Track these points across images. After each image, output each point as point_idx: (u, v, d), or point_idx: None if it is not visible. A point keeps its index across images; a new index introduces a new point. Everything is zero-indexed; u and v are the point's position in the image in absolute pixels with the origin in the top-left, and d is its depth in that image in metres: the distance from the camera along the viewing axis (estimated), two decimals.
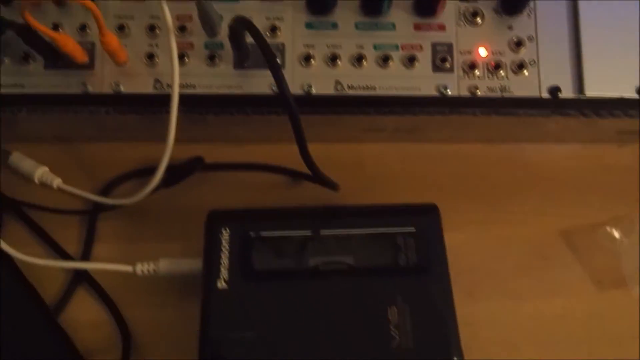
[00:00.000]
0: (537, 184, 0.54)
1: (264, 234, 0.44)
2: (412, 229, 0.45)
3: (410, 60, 0.47)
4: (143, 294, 0.48)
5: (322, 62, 0.48)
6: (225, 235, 0.44)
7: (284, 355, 0.41)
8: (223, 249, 0.44)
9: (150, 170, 0.46)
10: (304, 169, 0.45)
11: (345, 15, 0.48)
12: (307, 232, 0.45)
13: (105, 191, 0.52)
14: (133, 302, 0.48)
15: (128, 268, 0.47)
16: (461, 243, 0.50)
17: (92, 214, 0.51)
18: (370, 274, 0.43)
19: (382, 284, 0.43)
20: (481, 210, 0.53)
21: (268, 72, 0.42)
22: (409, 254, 0.44)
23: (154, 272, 0.46)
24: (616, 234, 0.51)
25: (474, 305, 0.49)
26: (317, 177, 0.46)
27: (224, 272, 0.43)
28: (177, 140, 0.45)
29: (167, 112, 0.43)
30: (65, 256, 0.50)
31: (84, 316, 0.48)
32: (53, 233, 0.51)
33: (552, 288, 0.50)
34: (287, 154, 0.48)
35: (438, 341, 0.41)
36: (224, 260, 0.43)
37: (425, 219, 0.45)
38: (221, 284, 0.42)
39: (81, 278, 0.49)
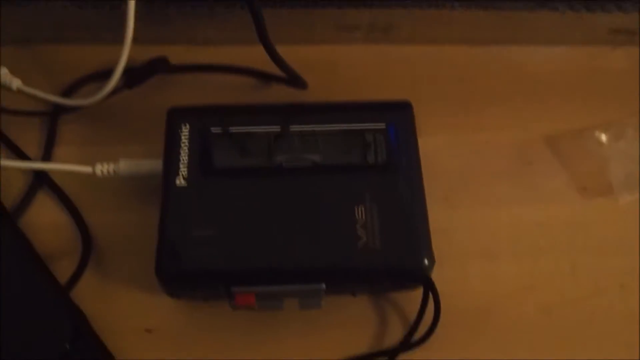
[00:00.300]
0: (522, 88, 0.51)
1: (226, 130, 0.42)
2: (382, 126, 0.42)
3: None
4: (104, 197, 0.46)
5: None
6: (185, 131, 0.42)
7: (244, 254, 0.39)
8: (183, 145, 0.41)
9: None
10: (273, 70, 0.42)
11: None
12: (272, 129, 0.42)
13: (66, 93, 0.50)
14: (94, 205, 0.46)
15: (87, 169, 0.45)
16: (438, 147, 0.48)
17: (52, 115, 0.49)
18: (337, 171, 0.41)
19: (349, 182, 0.41)
20: (461, 114, 0.50)
21: None
22: (378, 152, 0.42)
23: (114, 173, 0.44)
24: (604, 139, 0.48)
25: (450, 211, 0.47)
26: (284, 70, 0.43)
27: (184, 169, 0.41)
28: (140, 41, 0.43)
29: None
30: (25, 159, 0.47)
31: (44, 219, 0.46)
32: (13, 136, 0.48)
33: (533, 195, 0.47)
34: (255, 57, 0.46)
35: (407, 242, 0.39)
36: (184, 157, 0.41)
37: (397, 115, 0.43)
38: (180, 182, 0.40)
39: (41, 181, 0.47)
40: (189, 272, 0.39)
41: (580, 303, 0.44)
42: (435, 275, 0.40)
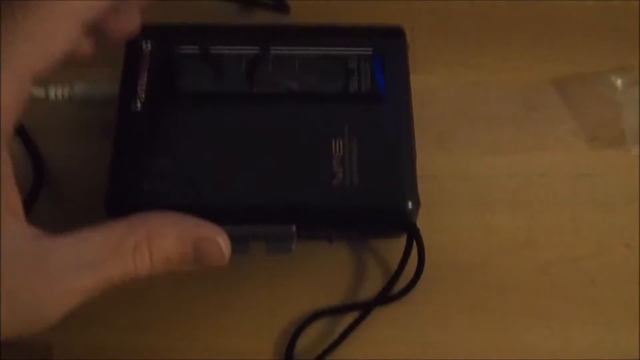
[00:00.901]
0: (530, 25, 0.46)
1: (192, 50, 0.37)
2: (369, 51, 0.37)
3: None
4: (59, 127, 0.42)
5: None
6: (146, 49, 0.37)
7: (205, 189, 0.34)
8: (142, 65, 0.37)
9: None
10: None
11: None
12: (245, 50, 0.38)
13: None
14: (48, 135, 0.42)
15: (40, 92, 0.40)
16: (434, 86, 0.44)
17: None
18: (315, 100, 0.37)
19: (327, 112, 0.36)
20: (461, 51, 0.45)
21: None
22: (362, 80, 0.37)
23: (68, 97, 0.40)
24: (618, 84, 0.43)
25: (443, 156, 0.42)
26: None
27: (142, 93, 0.36)
28: None
29: None
30: None
31: None
32: None
33: (537, 143, 0.43)
34: None
35: (389, 182, 0.35)
36: (143, 78, 0.36)
37: (386, 41, 0.38)
38: (137, 106, 0.36)
39: None
40: (140, 208, 0.34)
41: (581, 262, 0.40)
42: (423, 225, 0.36)
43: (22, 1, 0.25)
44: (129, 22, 0.31)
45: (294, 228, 0.34)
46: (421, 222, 0.36)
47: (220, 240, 0.29)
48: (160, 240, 0.27)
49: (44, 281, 0.25)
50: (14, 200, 0.27)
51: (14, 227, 0.26)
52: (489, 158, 0.42)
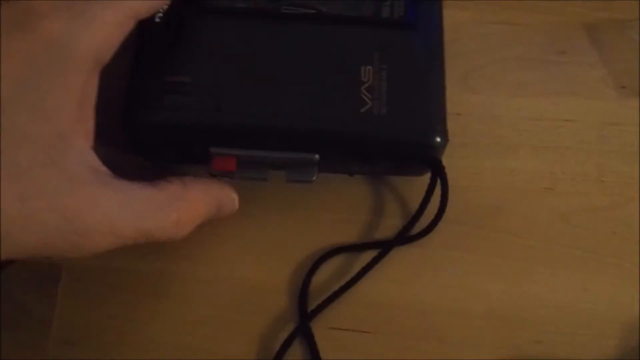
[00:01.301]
0: None
1: None
2: None
3: None
4: None
5: None
6: None
7: (228, 109, 0.32)
8: None
9: None
10: None
11: None
12: None
13: None
14: None
15: None
16: (463, 22, 0.42)
17: None
18: (344, 24, 0.35)
19: (357, 37, 0.34)
20: None
21: None
22: (394, 6, 0.35)
23: None
24: None
25: (468, 95, 0.40)
26: None
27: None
28: None
29: None
30: None
31: None
32: None
33: (563, 87, 0.41)
34: None
35: (418, 113, 0.33)
36: None
37: None
38: (160, 18, 0.34)
39: None
40: (160, 125, 0.32)
41: (603, 212, 0.38)
42: (445, 165, 0.34)
43: None
44: None
45: (317, 156, 0.33)
46: (444, 163, 0.34)
47: (235, 197, 0.34)
48: (195, 213, 0.31)
49: (94, 216, 0.27)
50: (89, 125, 0.28)
51: (84, 152, 0.27)
52: (514, 100, 0.41)
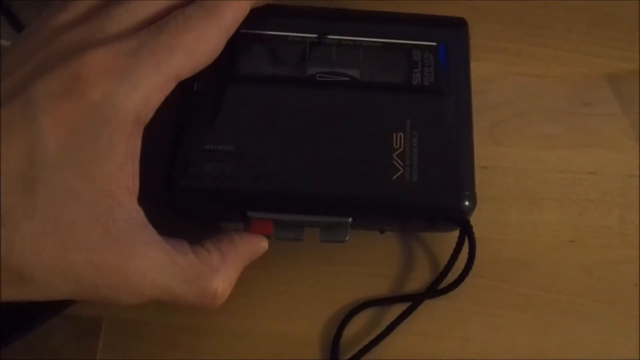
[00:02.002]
0: (589, 17, 0.45)
1: (255, 32, 0.36)
2: (433, 44, 0.36)
3: None
4: None
5: None
6: None
7: (266, 175, 0.34)
8: None
9: None
10: None
11: None
12: (308, 35, 0.37)
13: None
14: None
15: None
16: (490, 76, 0.43)
17: None
18: (377, 90, 0.36)
19: (389, 104, 0.35)
20: (519, 40, 0.44)
21: None
22: (425, 73, 0.36)
23: None
24: None
25: (494, 147, 0.42)
26: None
27: (204, 74, 0.35)
28: None
29: None
30: None
31: None
32: None
33: (587, 139, 0.42)
34: None
35: (448, 179, 0.34)
36: None
37: (450, 33, 0.37)
38: (200, 87, 0.35)
39: None
40: (201, 191, 0.34)
41: (625, 265, 0.40)
42: (471, 218, 0.36)
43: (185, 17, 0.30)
44: None
45: (350, 220, 0.34)
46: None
47: (265, 244, 0.36)
48: (232, 281, 0.33)
49: (127, 274, 0.29)
50: (134, 180, 0.29)
51: (129, 209, 0.29)
52: (539, 152, 0.42)
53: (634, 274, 0.39)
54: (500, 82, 0.43)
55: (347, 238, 0.35)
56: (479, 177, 0.36)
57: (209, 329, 0.38)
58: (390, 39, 0.37)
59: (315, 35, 0.37)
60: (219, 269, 0.32)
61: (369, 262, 0.39)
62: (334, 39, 0.37)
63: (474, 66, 0.39)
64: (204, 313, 0.37)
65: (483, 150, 0.41)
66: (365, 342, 0.37)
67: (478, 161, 0.37)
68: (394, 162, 0.34)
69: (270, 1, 0.37)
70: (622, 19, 0.45)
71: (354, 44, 0.37)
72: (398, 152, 0.34)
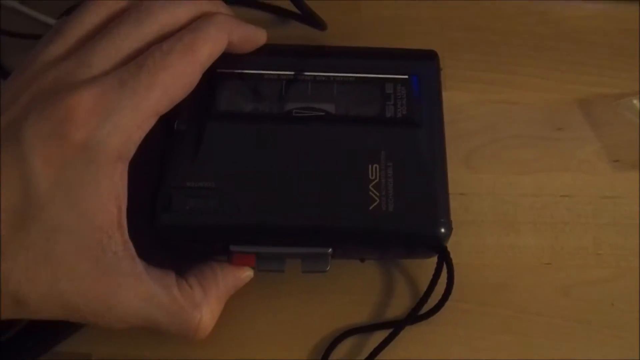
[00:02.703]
0: (558, 45, 0.47)
1: (232, 71, 0.38)
2: (405, 76, 0.38)
3: None
4: None
5: None
6: None
7: (246, 210, 0.35)
8: None
9: None
10: (290, 7, 0.38)
11: None
12: (283, 73, 0.38)
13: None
14: None
15: None
16: (463, 104, 0.44)
17: None
18: (352, 124, 0.37)
19: (364, 137, 0.37)
20: (490, 69, 0.46)
21: None
22: (398, 105, 0.37)
23: None
24: None
25: (470, 174, 0.43)
26: (301, 9, 0.38)
27: (184, 111, 0.36)
28: None
29: None
30: None
31: None
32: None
33: (561, 163, 0.43)
34: None
35: (424, 208, 0.35)
36: (187, 97, 0.36)
37: (421, 65, 0.39)
38: (180, 126, 0.36)
39: None
40: (184, 228, 0.35)
41: (601, 285, 0.41)
42: (449, 244, 0.37)
43: (162, 53, 0.32)
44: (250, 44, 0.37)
45: (330, 250, 0.35)
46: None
47: (250, 274, 0.37)
48: (215, 315, 0.35)
49: (112, 303, 0.31)
50: (123, 214, 0.31)
51: (118, 242, 0.31)
52: (514, 177, 0.43)
53: (610, 294, 0.40)
54: (475, 110, 0.44)
55: (328, 268, 0.36)
56: (456, 203, 0.38)
57: None
58: (363, 73, 0.38)
59: (291, 73, 0.38)
60: (201, 304, 0.34)
61: (351, 290, 0.40)
62: (309, 75, 0.38)
63: (449, 95, 0.40)
64: (190, 346, 0.38)
65: (459, 178, 0.42)
66: None
67: (455, 188, 0.38)
68: (370, 192, 0.35)
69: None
70: (591, 45, 0.47)
71: (328, 79, 0.38)
72: (374, 183, 0.35)
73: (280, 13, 0.45)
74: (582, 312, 0.40)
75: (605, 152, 0.44)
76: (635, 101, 0.44)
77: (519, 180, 0.43)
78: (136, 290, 0.32)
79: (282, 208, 0.35)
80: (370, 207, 0.35)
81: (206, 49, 0.33)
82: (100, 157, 0.30)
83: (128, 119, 0.31)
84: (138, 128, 0.31)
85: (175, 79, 0.32)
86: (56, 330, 0.38)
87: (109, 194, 0.30)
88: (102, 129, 0.30)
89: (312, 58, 0.39)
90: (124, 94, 0.31)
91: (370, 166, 0.36)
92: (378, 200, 0.35)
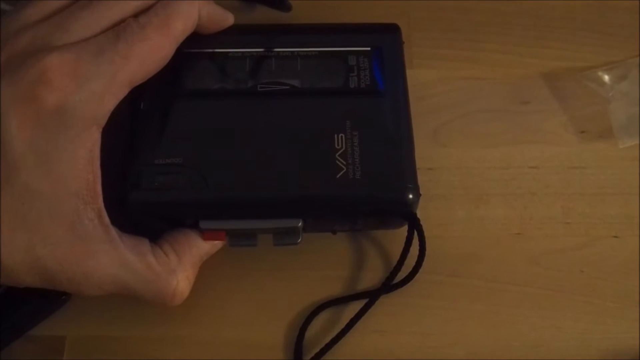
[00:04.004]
0: (522, 22, 0.48)
1: (197, 50, 0.38)
2: (367, 49, 0.38)
3: None
4: None
5: None
6: None
7: (214, 185, 0.35)
8: None
9: None
10: None
11: None
12: (248, 50, 0.38)
13: None
14: None
15: None
16: (429, 81, 0.45)
17: None
18: (316, 96, 0.38)
19: (329, 108, 0.37)
20: (456, 47, 0.46)
21: None
22: (361, 76, 0.38)
23: None
24: (606, 79, 0.44)
25: (438, 148, 0.43)
26: None
27: (150, 91, 0.36)
28: None
29: None
30: None
31: None
32: None
33: (528, 136, 0.44)
34: None
35: (390, 174, 0.36)
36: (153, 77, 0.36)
37: (383, 38, 0.39)
38: (147, 105, 0.36)
39: None
40: (154, 204, 0.35)
41: (571, 253, 0.41)
42: (420, 217, 0.37)
43: (140, 25, 0.32)
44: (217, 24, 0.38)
45: (300, 222, 0.35)
46: (418, 214, 0.37)
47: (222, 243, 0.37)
48: (189, 282, 0.35)
49: (87, 269, 0.31)
50: (97, 180, 0.31)
51: (94, 209, 0.31)
52: (482, 151, 0.43)
53: (580, 261, 0.41)
54: (442, 86, 0.45)
55: (299, 240, 0.36)
56: (425, 177, 0.38)
57: (172, 339, 0.38)
58: (326, 47, 0.38)
59: (255, 50, 0.38)
60: (176, 270, 0.34)
61: (323, 265, 0.40)
62: (273, 51, 0.38)
63: (416, 73, 0.41)
64: (164, 325, 0.38)
65: (428, 152, 0.42)
66: (327, 341, 0.37)
67: (424, 163, 0.39)
68: (337, 161, 0.35)
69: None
70: (554, 20, 0.47)
71: (292, 54, 0.38)
72: (340, 152, 0.36)
73: None
74: (553, 280, 0.40)
75: (572, 123, 0.44)
76: (600, 73, 0.45)
77: (487, 154, 0.43)
78: (112, 257, 0.32)
79: (251, 181, 0.35)
80: (338, 176, 0.35)
81: (180, 24, 0.34)
82: (75, 122, 0.30)
83: (104, 86, 0.31)
84: (113, 96, 0.31)
85: (151, 52, 0.33)
86: (30, 314, 0.37)
87: (84, 161, 0.31)
88: (78, 95, 0.30)
89: (276, 35, 0.39)
90: (101, 61, 0.31)
91: (336, 136, 0.36)
92: (345, 169, 0.35)
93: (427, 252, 0.38)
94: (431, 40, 0.46)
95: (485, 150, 0.43)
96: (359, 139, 0.36)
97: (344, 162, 0.35)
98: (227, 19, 0.38)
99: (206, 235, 0.35)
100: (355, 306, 0.38)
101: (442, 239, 0.40)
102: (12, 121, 0.29)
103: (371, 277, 0.40)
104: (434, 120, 0.44)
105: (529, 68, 0.46)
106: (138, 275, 0.33)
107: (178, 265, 0.34)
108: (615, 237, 0.41)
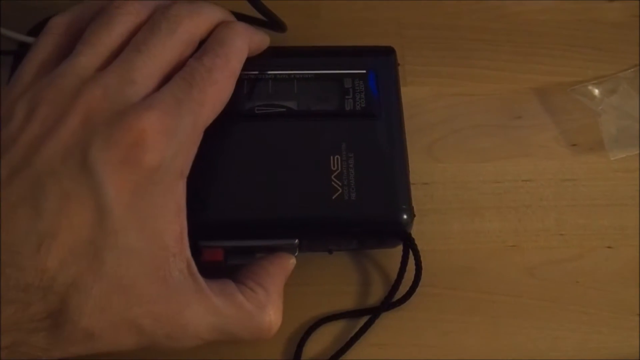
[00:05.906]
0: (513, 38, 0.49)
1: None
2: (362, 71, 0.39)
3: None
4: None
5: None
6: None
7: (213, 205, 0.36)
8: None
9: None
10: (249, 11, 0.40)
11: None
12: (244, 72, 0.39)
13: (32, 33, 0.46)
14: None
15: None
16: (422, 98, 0.46)
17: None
18: (312, 119, 0.38)
19: (325, 130, 0.38)
20: (448, 64, 0.47)
21: None
22: (357, 98, 0.39)
23: None
24: (596, 93, 0.45)
25: (433, 164, 0.44)
26: (261, 12, 0.40)
27: None
28: None
29: None
30: None
31: None
32: None
33: (521, 150, 0.45)
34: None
35: (385, 195, 0.37)
36: None
37: (378, 60, 0.40)
38: None
39: None
40: None
41: (565, 264, 0.42)
42: (416, 232, 0.38)
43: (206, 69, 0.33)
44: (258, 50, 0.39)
45: (296, 242, 0.36)
46: (414, 229, 0.38)
47: (294, 260, 0.38)
48: (280, 306, 0.36)
49: (183, 321, 0.31)
50: (184, 231, 0.32)
51: (182, 260, 0.31)
52: (476, 165, 0.44)
53: (575, 272, 0.41)
54: (435, 103, 0.46)
55: (296, 260, 0.37)
56: (421, 192, 0.39)
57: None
58: (322, 70, 0.39)
59: (252, 72, 0.39)
60: (266, 304, 0.34)
61: (321, 281, 0.41)
62: (270, 74, 0.39)
63: (410, 90, 0.42)
64: None
65: (423, 168, 0.43)
66: (326, 358, 0.38)
67: (419, 178, 0.40)
68: (333, 183, 0.36)
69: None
70: (543, 36, 0.48)
71: (289, 77, 0.39)
72: (336, 173, 0.37)
73: (241, 17, 0.46)
74: (548, 290, 0.41)
75: (563, 137, 0.45)
76: (590, 87, 0.46)
77: (481, 168, 0.44)
78: (205, 305, 0.32)
79: (248, 202, 0.36)
80: (333, 197, 0.36)
81: (237, 61, 0.35)
82: (167, 177, 0.31)
83: (188, 137, 0.31)
84: (194, 144, 0.32)
85: (220, 94, 0.33)
86: None
87: (174, 213, 0.31)
88: (169, 151, 0.30)
89: (272, 58, 0.40)
90: (183, 113, 0.31)
91: (332, 158, 0.37)
92: (340, 190, 0.36)
93: (423, 266, 0.38)
94: (424, 58, 0.47)
95: (479, 165, 0.44)
96: (354, 161, 0.37)
97: (340, 184, 0.36)
98: (265, 42, 0.39)
99: (204, 254, 0.36)
100: (353, 322, 0.39)
101: (438, 252, 0.41)
102: (111, 187, 0.29)
103: (368, 293, 0.40)
104: (429, 136, 0.45)
105: (520, 83, 0.47)
106: (232, 318, 0.33)
107: (267, 299, 0.34)
108: (609, 247, 0.42)
